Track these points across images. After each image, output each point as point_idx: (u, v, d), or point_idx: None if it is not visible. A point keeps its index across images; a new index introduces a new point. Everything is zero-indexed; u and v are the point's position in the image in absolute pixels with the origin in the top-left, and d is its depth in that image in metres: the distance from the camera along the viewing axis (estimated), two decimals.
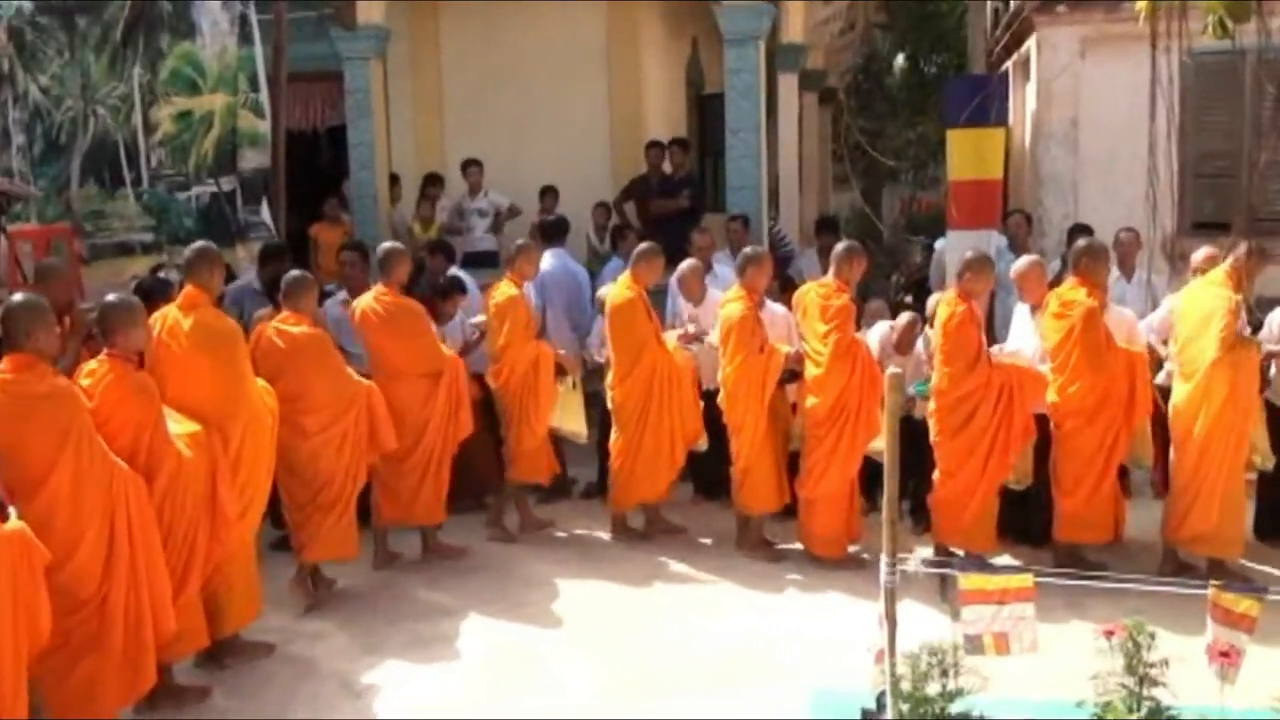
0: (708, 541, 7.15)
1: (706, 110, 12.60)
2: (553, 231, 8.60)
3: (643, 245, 7.25)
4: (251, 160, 9.58)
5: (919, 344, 7.01)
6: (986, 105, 8.49)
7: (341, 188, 11.04)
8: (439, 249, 8.57)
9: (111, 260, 9.59)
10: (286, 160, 9.50)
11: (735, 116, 9.46)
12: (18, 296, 4.81)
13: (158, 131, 9.79)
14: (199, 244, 5.89)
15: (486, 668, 5.62)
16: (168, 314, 5.52)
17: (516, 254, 7.37)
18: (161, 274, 7.39)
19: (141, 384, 5.04)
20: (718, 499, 7.38)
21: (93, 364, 5.04)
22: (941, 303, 6.43)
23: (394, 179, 11.08)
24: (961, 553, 6.36)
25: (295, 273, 6.46)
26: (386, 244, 7.23)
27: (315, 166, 12.13)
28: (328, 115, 12.12)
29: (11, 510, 4.29)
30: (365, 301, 6.76)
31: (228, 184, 9.61)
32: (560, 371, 7.38)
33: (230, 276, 7.27)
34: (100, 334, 5.13)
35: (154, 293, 5.93)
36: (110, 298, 5.26)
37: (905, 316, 7.19)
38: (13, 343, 4.60)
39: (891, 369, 4.20)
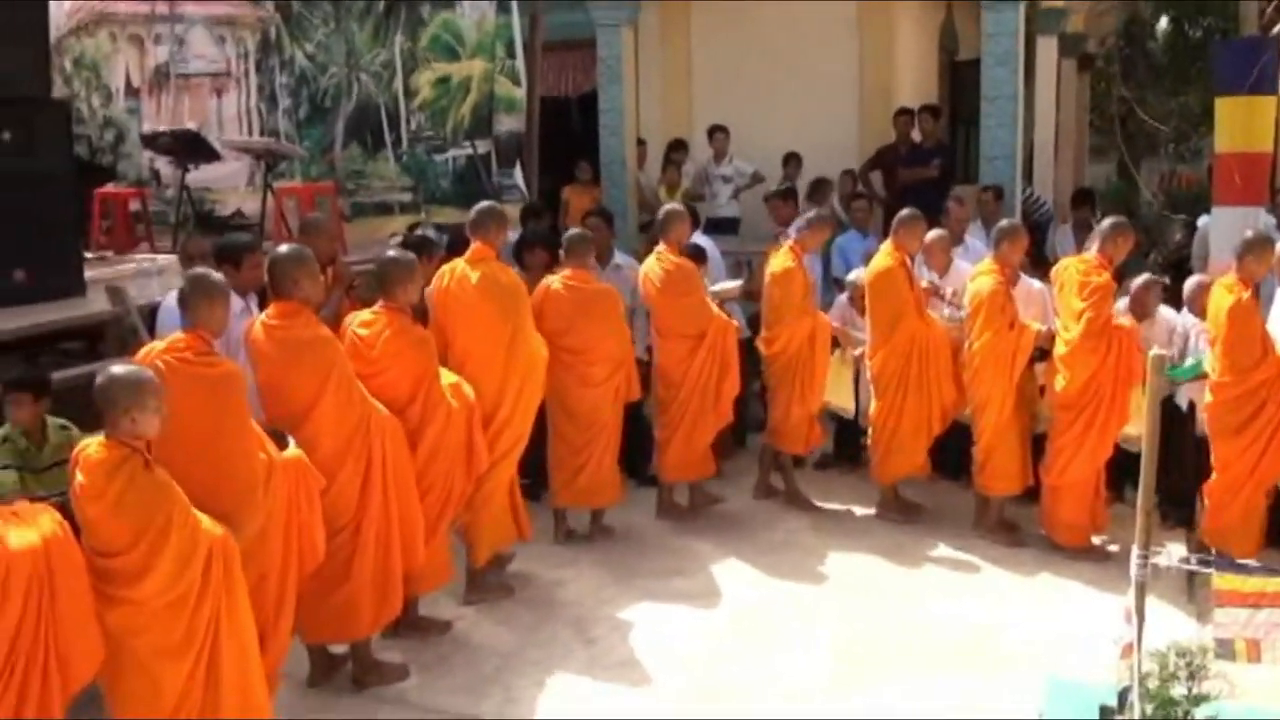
0: (946, 521, 6.95)
1: (959, 77, 12.22)
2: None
3: (904, 212, 7.04)
4: (506, 124, 9.84)
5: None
6: (1268, 72, 7.91)
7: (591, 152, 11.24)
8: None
9: (370, 218, 10.09)
10: (539, 125, 9.73)
11: (991, 83, 9.10)
12: (285, 247, 5.04)
13: (417, 96, 10.20)
14: (486, 203, 6.27)
15: (719, 624, 5.66)
16: (456, 267, 5.87)
17: (806, 226, 7.22)
18: (419, 232, 7.67)
19: (420, 337, 5.32)
20: (959, 478, 7.21)
21: (367, 315, 5.30)
22: (1220, 287, 5.94)
23: (641, 144, 11.20)
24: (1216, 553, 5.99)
25: (576, 231, 6.72)
26: (669, 205, 7.35)
27: (566, 132, 12.38)
28: (580, 82, 12.34)
29: (290, 440, 4.60)
30: (649, 263, 6.92)
31: (483, 147, 9.91)
32: (834, 344, 7.27)
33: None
34: (378, 287, 5.37)
35: (421, 249, 6.20)
36: (390, 253, 5.55)
37: (1142, 278, 6.80)
38: (279, 291, 4.85)
39: (1155, 350, 3.98)
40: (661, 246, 6.96)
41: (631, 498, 7.09)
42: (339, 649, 5.19)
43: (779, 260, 7.10)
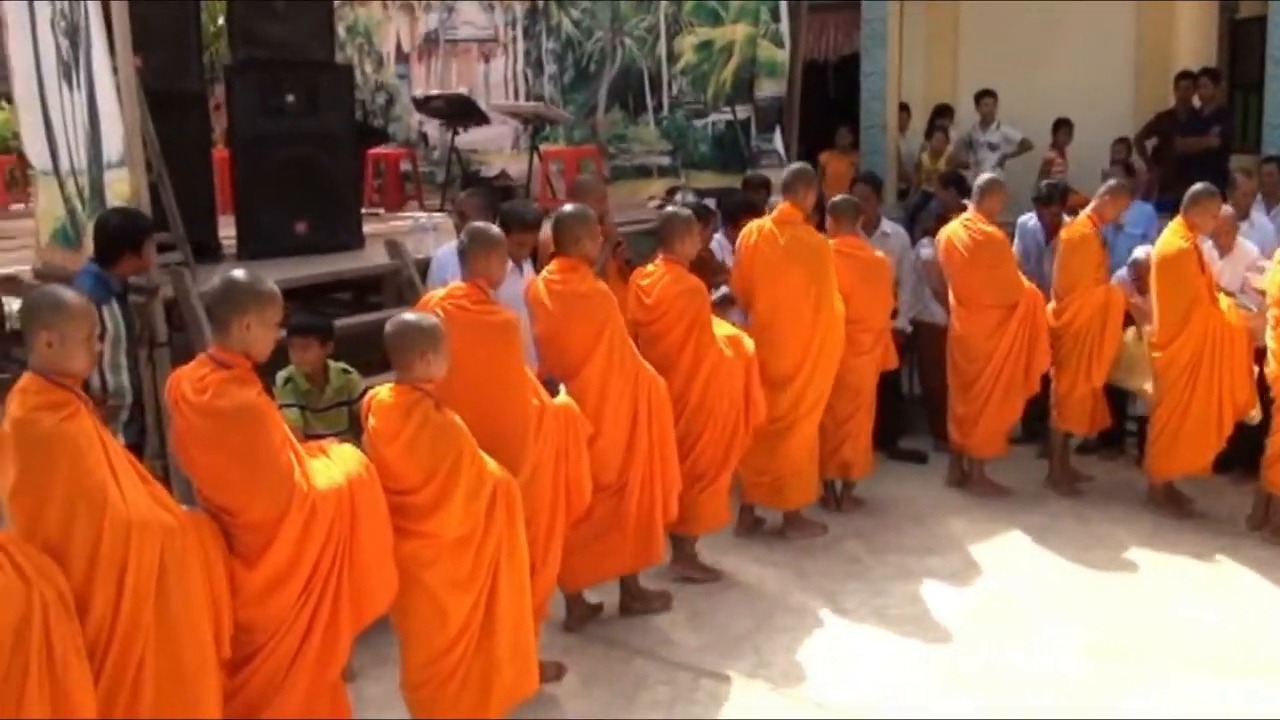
0: (1216, 518, 6.50)
1: (1240, 36, 11.37)
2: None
3: (1198, 187, 6.44)
4: (768, 89, 9.72)
5: None
6: None
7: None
8: (951, 181, 8.35)
9: (630, 181, 10.17)
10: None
11: (1278, 43, 8.40)
12: (569, 207, 5.22)
13: (680, 61, 10.20)
14: (797, 165, 6.45)
15: (969, 607, 5.48)
16: (763, 226, 6.01)
17: (1105, 194, 6.81)
18: (678, 196, 7.70)
19: (693, 286, 5.47)
20: (1229, 472, 6.72)
21: (650, 267, 5.53)
22: None
23: (903, 109, 10.93)
24: None
25: (844, 198, 6.64)
26: (987, 175, 7.16)
27: (822, 96, 12.21)
28: (841, 44, 12.14)
29: (562, 387, 4.78)
30: (953, 230, 6.77)
31: (743, 112, 9.83)
32: (1128, 321, 6.85)
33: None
34: (660, 241, 5.58)
35: (698, 215, 6.19)
36: (669, 209, 5.74)
37: None
38: (561, 247, 5.04)
39: None
40: (971, 214, 6.75)
41: (882, 469, 6.97)
42: (593, 598, 5.34)
43: (1075, 228, 6.76)
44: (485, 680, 4.08)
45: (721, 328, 5.59)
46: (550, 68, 11.22)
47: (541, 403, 4.57)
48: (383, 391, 3.95)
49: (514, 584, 4.11)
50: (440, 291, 4.62)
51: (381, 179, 10.65)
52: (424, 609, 3.97)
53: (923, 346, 7.51)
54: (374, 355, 4.92)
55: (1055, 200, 7.47)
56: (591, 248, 5.09)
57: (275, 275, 3.92)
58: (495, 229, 4.76)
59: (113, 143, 5.40)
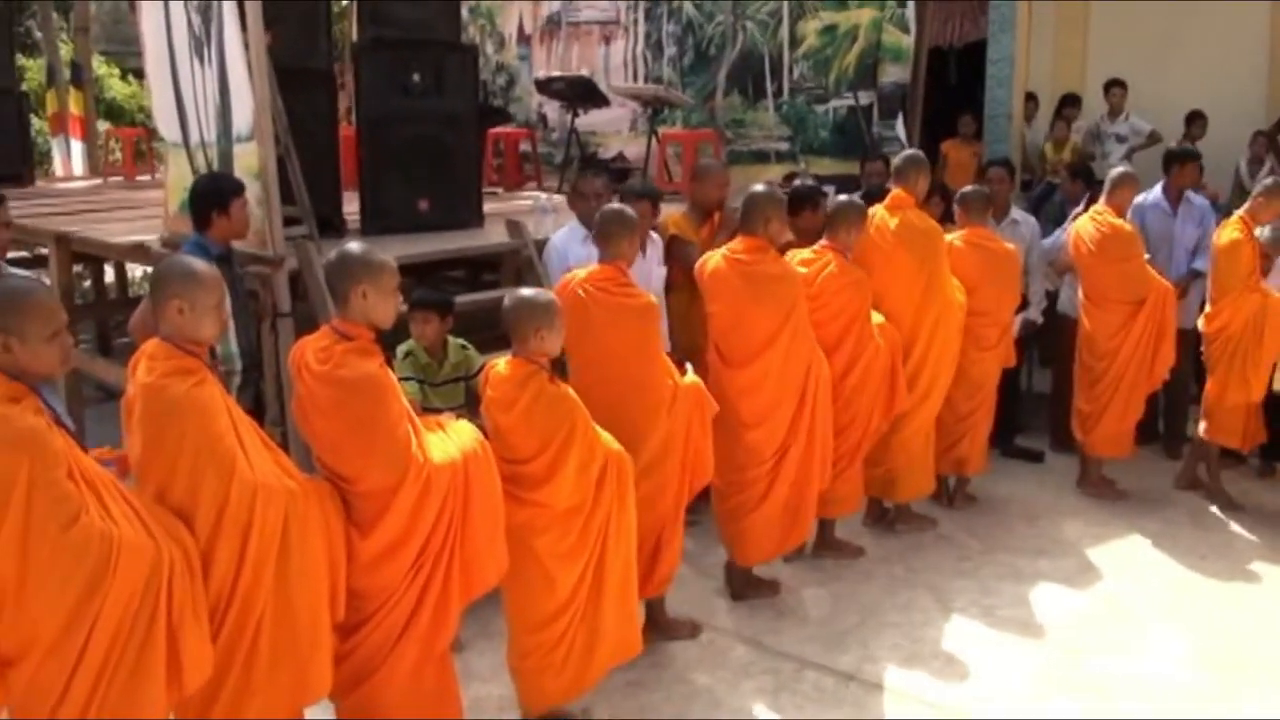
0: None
1: None
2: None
3: (1270, 180, 6.40)
4: (892, 75, 9.58)
5: None
6: None
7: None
8: (1079, 174, 8.16)
9: (747, 166, 10.10)
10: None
11: None
12: (759, 187, 5.34)
13: (802, 45, 10.10)
14: (909, 151, 6.43)
15: (1079, 611, 5.36)
16: (875, 213, 5.95)
17: (1261, 195, 6.51)
18: (796, 181, 7.63)
19: (859, 278, 5.52)
20: None
21: (807, 253, 5.57)
22: None
23: (1030, 98, 10.67)
24: None
25: (976, 189, 6.55)
26: (1118, 168, 6.96)
27: (944, 83, 11.98)
28: (966, 30, 11.87)
29: (688, 366, 4.91)
30: (1082, 224, 6.63)
31: (865, 98, 9.70)
32: None
33: (857, 189, 7.39)
34: (826, 228, 5.66)
35: (809, 199, 6.23)
36: (841, 198, 5.79)
37: None
38: (749, 226, 5.11)
39: None
40: (1102, 207, 6.59)
41: (997, 467, 6.85)
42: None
43: (1227, 232, 6.51)
44: (589, 649, 4.18)
45: (875, 317, 5.62)
46: (670, 50, 11.21)
47: (674, 382, 4.69)
48: (500, 364, 4.08)
49: (621, 555, 4.21)
50: (581, 273, 4.71)
51: (501, 159, 10.75)
52: (533, 577, 4.06)
53: (1057, 341, 7.30)
54: (491, 333, 4.98)
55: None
56: (779, 229, 5.15)
57: (396, 251, 4.01)
58: (631, 211, 4.84)
59: (242, 117, 5.51)
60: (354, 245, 3.75)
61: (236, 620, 3.32)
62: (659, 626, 4.98)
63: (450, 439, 3.79)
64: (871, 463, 5.93)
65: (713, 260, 5.15)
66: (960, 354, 6.07)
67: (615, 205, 4.98)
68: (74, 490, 2.96)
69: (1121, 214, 6.54)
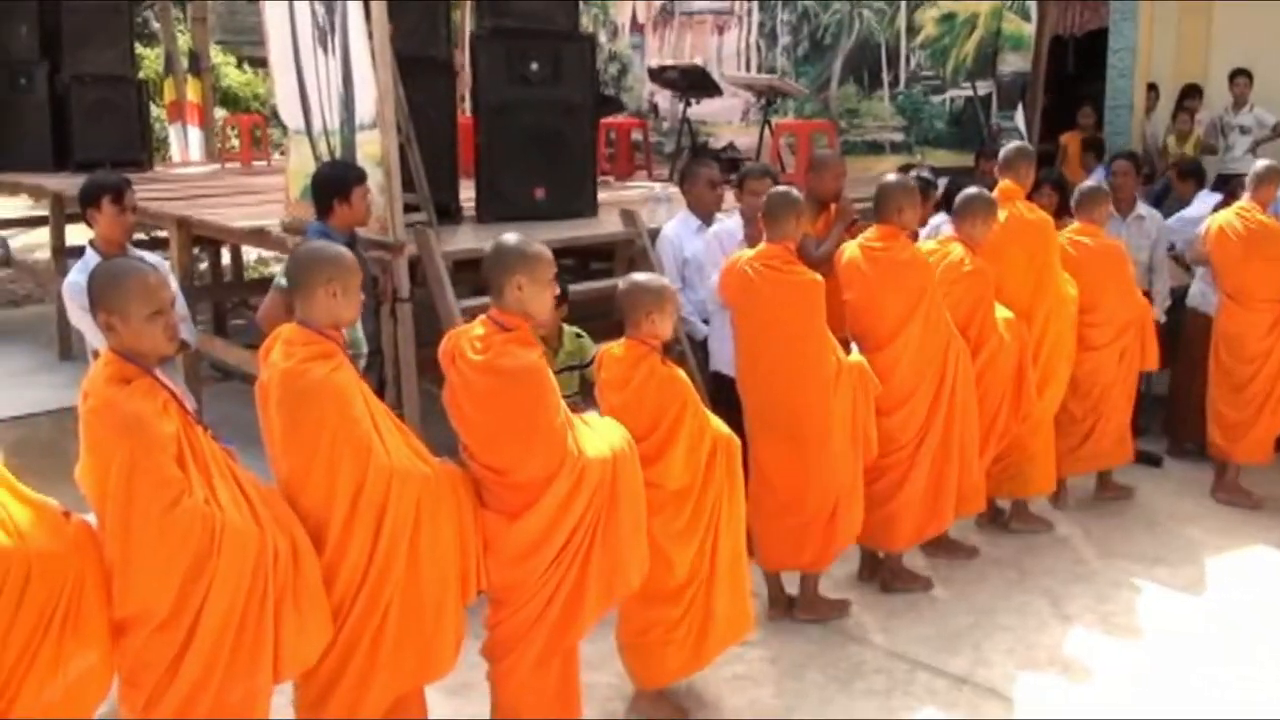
0: None
1: None
2: None
3: None
4: (1011, 64, 9.39)
5: None
6: None
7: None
8: (1190, 174, 7.92)
9: (861, 157, 9.98)
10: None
11: None
12: (892, 176, 5.48)
13: (919, 34, 9.95)
14: (1016, 143, 6.39)
15: (1194, 627, 5.17)
16: None
17: None
18: (912, 173, 7.53)
19: (980, 268, 5.49)
20: None
21: (931, 244, 5.61)
22: None
23: (1151, 89, 10.39)
24: None
25: (1089, 184, 6.43)
26: (1262, 161, 6.72)
27: (1061, 73, 11.72)
28: (1086, 19, 11.62)
29: (854, 347, 5.08)
30: (1226, 219, 6.44)
31: (983, 88, 9.51)
32: None
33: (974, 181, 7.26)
34: (954, 219, 5.62)
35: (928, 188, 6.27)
36: (970, 190, 5.68)
37: None
38: (882, 215, 5.20)
39: None
40: (1247, 203, 6.39)
41: (1115, 470, 6.61)
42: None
43: None
44: (702, 632, 4.22)
45: (999, 310, 5.56)
46: (784, 39, 11.13)
47: (838, 359, 4.79)
48: (614, 347, 4.18)
49: (732, 535, 4.25)
50: (749, 252, 4.88)
51: (613, 148, 10.77)
52: (651, 559, 4.04)
53: (1187, 340, 6.94)
54: (602, 322, 5.00)
55: None
56: (910, 216, 5.24)
57: (487, 252, 3.98)
58: (795, 191, 4.97)
59: (365, 105, 5.59)
60: (510, 236, 3.83)
61: (367, 601, 3.39)
62: (812, 605, 5.06)
63: (599, 435, 3.82)
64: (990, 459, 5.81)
65: (849, 249, 5.24)
66: None
67: (782, 187, 5.14)
68: (176, 474, 3.02)
69: (1265, 209, 6.34)
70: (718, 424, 4.22)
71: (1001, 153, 6.19)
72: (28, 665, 2.85)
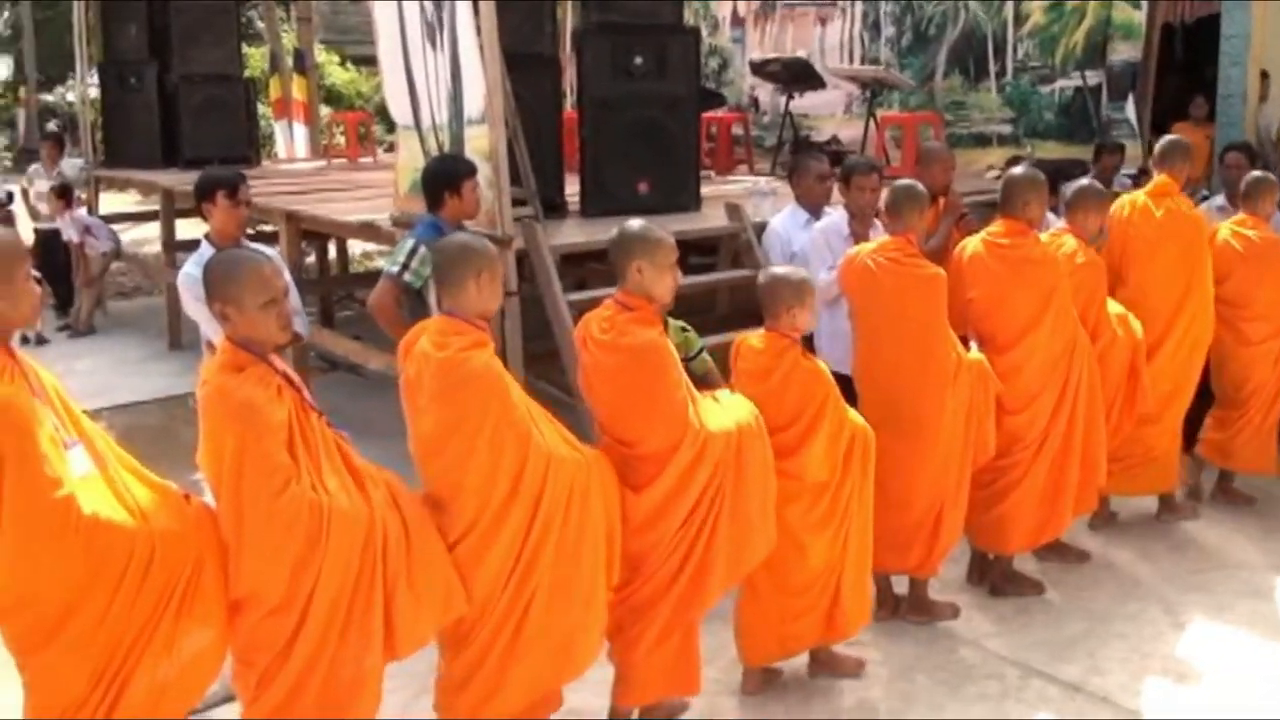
0: None
1: None
2: None
3: None
4: (1122, 53, 9.15)
5: None
6: None
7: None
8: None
9: (967, 150, 9.80)
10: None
11: None
12: (1018, 169, 5.33)
13: (1027, 22, 9.74)
14: (1172, 136, 6.20)
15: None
16: (1135, 200, 5.83)
17: None
18: (1019, 168, 7.39)
19: (1093, 261, 5.38)
20: None
21: (1044, 237, 5.43)
22: None
23: (1264, 76, 10.04)
24: None
25: (1258, 174, 6.22)
26: None
27: (1171, 61, 11.39)
28: (1197, 6, 11.27)
29: (973, 345, 5.03)
30: None
31: (1093, 78, 9.29)
32: None
33: (1084, 173, 7.10)
34: (1065, 211, 5.52)
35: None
36: (1082, 182, 5.60)
37: None
38: (1009, 209, 5.07)
39: None
40: None
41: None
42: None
43: None
44: (828, 619, 4.31)
45: (1111, 305, 5.44)
46: (888, 31, 10.97)
47: (958, 356, 4.74)
48: (751, 338, 4.25)
49: (860, 528, 4.33)
50: (870, 245, 4.86)
51: (713, 142, 10.72)
52: (784, 545, 4.10)
53: None
54: (706, 316, 4.97)
55: None
56: (1038, 210, 5.10)
57: (611, 236, 4.02)
58: (919, 184, 4.90)
59: (473, 100, 5.63)
60: (633, 222, 3.94)
61: (516, 588, 3.46)
62: (922, 607, 5.00)
63: (725, 411, 3.91)
64: (1111, 458, 5.60)
65: (971, 245, 5.12)
66: (1217, 347, 5.84)
67: (906, 180, 5.04)
68: (285, 461, 3.06)
69: None
70: (855, 417, 4.29)
71: (1157, 147, 6.03)
72: (146, 642, 2.93)
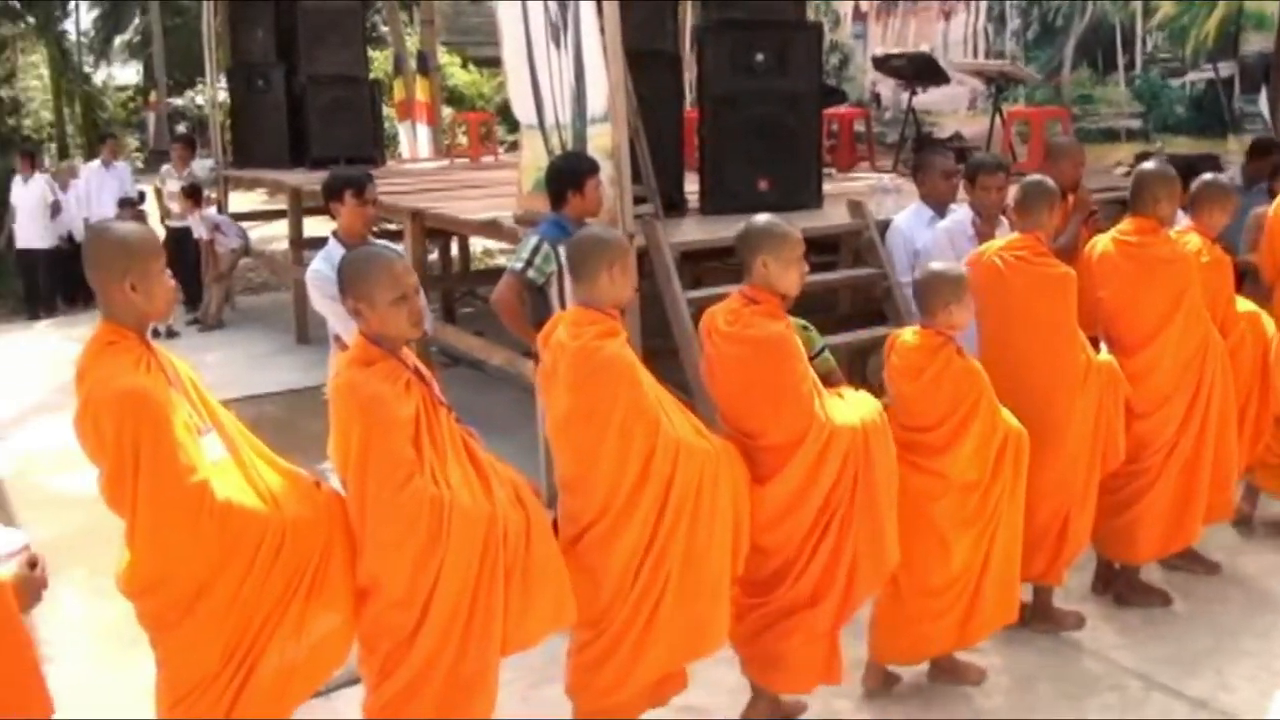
0: None
1: None
2: None
3: None
4: (1255, 44, 8.81)
5: None
6: None
7: None
8: None
9: (1095, 145, 9.51)
10: None
11: None
12: (1149, 165, 5.11)
13: (1157, 14, 9.46)
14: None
15: None
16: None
17: None
18: (1150, 163, 7.19)
19: (1218, 258, 5.22)
20: None
21: (1172, 232, 5.28)
22: None
23: None
24: None
25: None
26: None
27: None
28: None
29: (1103, 346, 4.93)
30: None
31: (1226, 70, 8.96)
32: None
33: (1217, 169, 6.87)
34: (1190, 208, 5.29)
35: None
36: (1208, 177, 5.39)
37: None
38: (1139, 207, 4.92)
39: None
40: None
41: None
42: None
43: None
44: (965, 618, 4.25)
45: (1240, 304, 5.30)
46: (1013, 23, 10.75)
47: (1088, 357, 4.66)
48: (906, 333, 4.24)
49: (1011, 529, 4.27)
50: (998, 242, 4.79)
51: (834, 139, 10.63)
52: (927, 542, 4.11)
53: None
54: (827, 315, 4.93)
55: None
56: (1169, 209, 4.95)
57: (738, 231, 4.02)
58: (1050, 181, 4.81)
59: (596, 99, 5.68)
60: (760, 217, 3.95)
61: (650, 573, 3.51)
62: (1046, 615, 4.90)
63: (850, 406, 3.91)
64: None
65: (1101, 243, 5.01)
66: None
67: (1036, 175, 4.96)
68: (409, 455, 3.12)
69: None
70: (1008, 417, 4.22)
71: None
72: (276, 623, 3.02)
